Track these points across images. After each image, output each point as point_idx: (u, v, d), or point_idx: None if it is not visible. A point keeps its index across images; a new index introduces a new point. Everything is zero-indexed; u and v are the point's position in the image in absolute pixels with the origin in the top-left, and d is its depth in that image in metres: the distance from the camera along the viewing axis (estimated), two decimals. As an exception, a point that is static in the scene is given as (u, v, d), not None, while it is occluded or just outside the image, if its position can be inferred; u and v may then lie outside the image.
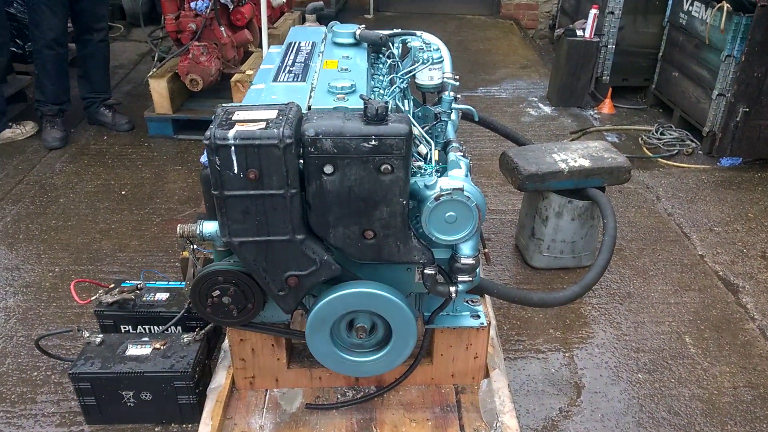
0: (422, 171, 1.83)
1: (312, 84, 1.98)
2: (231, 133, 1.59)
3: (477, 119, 3.02)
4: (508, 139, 3.16)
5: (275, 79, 2.03)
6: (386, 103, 1.65)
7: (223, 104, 1.76)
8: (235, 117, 1.68)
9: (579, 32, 4.89)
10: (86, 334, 2.26)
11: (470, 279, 1.86)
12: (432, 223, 1.76)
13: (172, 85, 4.21)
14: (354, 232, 1.76)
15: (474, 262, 1.84)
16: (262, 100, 1.89)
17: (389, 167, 1.66)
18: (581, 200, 2.89)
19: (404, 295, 1.95)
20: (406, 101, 2.26)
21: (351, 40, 2.34)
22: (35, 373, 2.46)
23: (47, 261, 3.12)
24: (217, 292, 1.87)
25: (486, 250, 2.73)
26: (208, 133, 1.60)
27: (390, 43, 2.37)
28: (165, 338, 2.26)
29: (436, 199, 1.72)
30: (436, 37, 2.53)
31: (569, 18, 5.81)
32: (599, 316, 2.84)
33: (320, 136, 1.61)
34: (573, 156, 2.91)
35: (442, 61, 2.34)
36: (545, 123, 4.75)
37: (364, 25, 2.37)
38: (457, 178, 1.74)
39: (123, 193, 3.74)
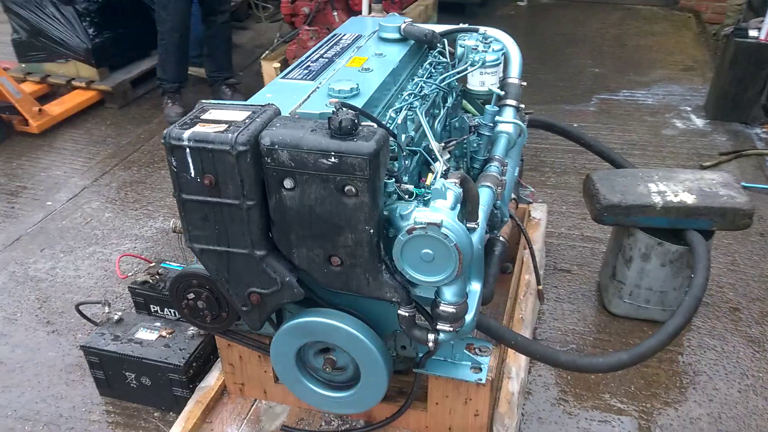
0: (406, 196, 1.56)
1: (319, 84, 1.79)
2: (187, 133, 1.46)
3: (561, 131, 2.64)
4: (601, 158, 2.71)
5: (285, 75, 1.87)
6: (356, 114, 1.42)
7: (204, 100, 1.64)
8: (204, 115, 1.55)
9: (752, 32, 4.11)
10: (107, 309, 2.31)
11: (452, 329, 1.58)
12: (405, 259, 1.51)
13: (283, 68, 4.23)
14: (319, 256, 1.56)
15: (456, 310, 1.55)
16: (258, 98, 1.74)
17: (353, 189, 1.43)
18: (677, 244, 2.39)
19: (388, 331, 1.72)
20: (443, 109, 1.98)
21: (396, 35, 2.09)
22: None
23: (127, 229, 3.29)
24: (192, 295, 1.78)
25: (540, 287, 2.39)
26: (165, 130, 1.49)
27: (440, 41, 2.09)
28: (174, 327, 2.23)
29: (409, 232, 1.47)
30: (506, 35, 2.21)
31: (754, 13, 4.92)
32: (684, 381, 2.35)
33: (276, 147, 1.43)
34: (675, 188, 2.41)
35: (498, 64, 2.02)
36: (690, 139, 4.08)
37: (411, 19, 2.11)
38: (438, 210, 1.46)
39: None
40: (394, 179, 1.55)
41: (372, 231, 1.48)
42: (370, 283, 1.57)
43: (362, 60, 1.95)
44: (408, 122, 1.78)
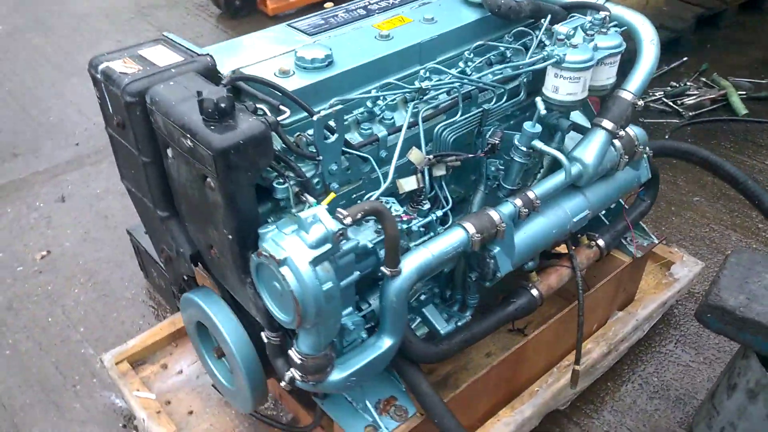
0: (293, 209, 1.24)
1: (303, 43, 1.49)
2: (101, 66, 1.35)
3: (704, 162, 1.92)
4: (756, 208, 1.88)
5: (296, 22, 1.59)
6: (229, 95, 1.14)
7: (166, 33, 1.47)
8: (142, 50, 1.41)
9: None
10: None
11: (304, 380, 1.28)
12: (262, 282, 1.24)
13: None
14: (202, 239, 1.37)
15: (304, 362, 1.24)
16: (233, 44, 1.51)
17: (211, 183, 1.19)
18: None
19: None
20: (462, 113, 1.50)
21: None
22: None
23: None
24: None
25: (578, 367, 1.82)
26: (93, 59, 1.39)
27: (538, 15, 1.58)
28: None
29: (257, 255, 1.18)
30: (645, 22, 1.58)
31: None
32: None
33: (154, 109, 1.24)
34: None
35: (585, 68, 1.45)
36: None
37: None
38: (285, 246, 1.13)
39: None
40: (297, 183, 1.25)
41: (231, 237, 1.23)
42: (237, 290, 1.34)
43: (396, 22, 1.56)
44: (382, 120, 1.40)
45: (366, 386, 1.54)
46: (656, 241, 1.98)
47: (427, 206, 1.46)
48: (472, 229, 1.39)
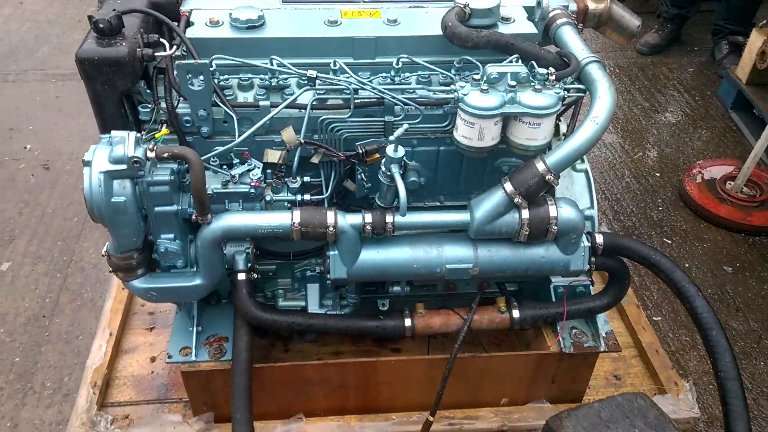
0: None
1: (272, 6, 1.61)
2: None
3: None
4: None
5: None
6: (112, 20, 1.36)
7: None
8: None
9: None
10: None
11: (112, 271, 1.51)
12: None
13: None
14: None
15: (108, 257, 1.47)
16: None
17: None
18: None
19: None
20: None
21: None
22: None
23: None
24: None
25: (431, 418, 1.73)
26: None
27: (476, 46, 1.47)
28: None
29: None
30: (607, 91, 1.39)
31: None
32: None
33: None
34: None
35: (484, 114, 1.35)
36: None
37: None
38: (101, 155, 1.34)
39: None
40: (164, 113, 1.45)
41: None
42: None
43: (363, 14, 1.59)
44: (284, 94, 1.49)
45: (217, 319, 1.72)
46: (601, 349, 1.70)
47: (295, 185, 1.53)
48: (296, 219, 1.43)
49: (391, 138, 1.36)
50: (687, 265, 2.56)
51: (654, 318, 2.37)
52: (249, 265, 1.54)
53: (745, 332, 2.31)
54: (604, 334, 1.71)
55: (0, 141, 3.36)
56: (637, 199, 2.97)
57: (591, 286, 1.71)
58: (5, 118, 3.52)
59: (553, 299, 1.70)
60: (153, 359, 1.99)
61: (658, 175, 3.13)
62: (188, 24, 1.53)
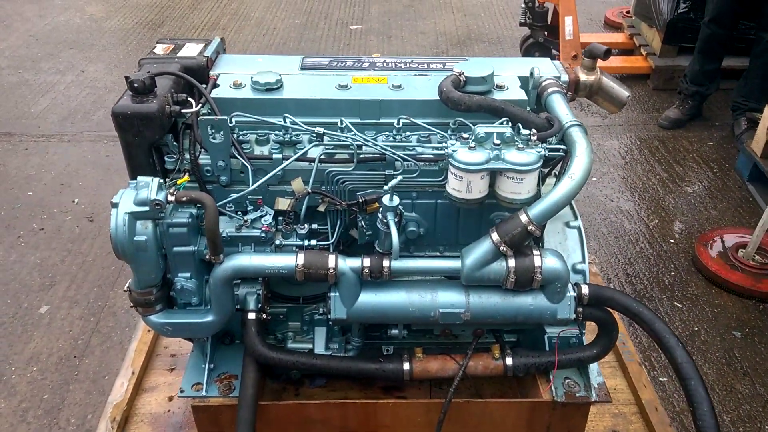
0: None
1: (292, 72, 1.80)
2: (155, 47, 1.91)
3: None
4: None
5: (306, 57, 1.90)
6: (146, 80, 1.57)
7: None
8: (187, 43, 1.91)
9: None
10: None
11: (132, 306, 1.66)
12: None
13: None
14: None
15: (129, 292, 1.62)
16: (257, 60, 1.91)
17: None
18: None
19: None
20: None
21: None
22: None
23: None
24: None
25: None
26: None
27: (469, 109, 1.62)
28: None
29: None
30: (585, 151, 1.52)
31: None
32: None
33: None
34: None
35: (470, 169, 1.49)
36: None
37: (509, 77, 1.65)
38: (127, 198, 1.52)
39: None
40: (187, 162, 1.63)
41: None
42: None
43: (372, 80, 1.77)
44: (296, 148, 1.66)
45: (230, 358, 1.84)
46: (592, 399, 1.75)
47: (303, 231, 1.67)
48: (300, 261, 1.56)
49: (386, 188, 1.50)
50: (696, 329, 2.59)
51: (660, 379, 2.39)
52: (259, 305, 1.68)
53: (751, 396, 2.31)
54: (596, 385, 1.77)
55: (51, 195, 3.63)
56: (650, 264, 3.03)
57: (582, 337, 1.78)
58: (58, 174, 3.81)
59: (547, 349, 1.78)
60: (171, 398, 2.10)
61: (672, 241, 3.19)
62: (215, 86, 1.73)
